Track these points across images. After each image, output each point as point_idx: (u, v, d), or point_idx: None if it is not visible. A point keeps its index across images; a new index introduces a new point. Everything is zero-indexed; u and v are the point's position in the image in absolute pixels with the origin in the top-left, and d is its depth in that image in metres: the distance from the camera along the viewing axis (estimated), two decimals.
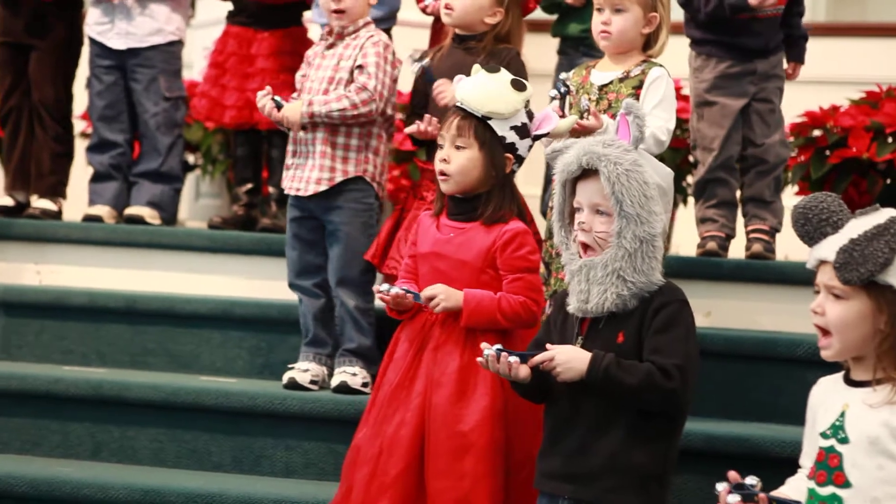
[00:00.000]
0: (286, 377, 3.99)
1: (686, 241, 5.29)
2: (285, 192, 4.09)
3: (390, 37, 4.55)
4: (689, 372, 2.86)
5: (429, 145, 3.96)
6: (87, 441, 4.03)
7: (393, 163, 5.17)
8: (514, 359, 2.94)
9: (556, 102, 3.56)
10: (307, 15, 5.07)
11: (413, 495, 3.26)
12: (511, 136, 3.34)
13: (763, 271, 4.24)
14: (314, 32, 4.91)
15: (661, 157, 3.82)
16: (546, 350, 2.93)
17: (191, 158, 6.64)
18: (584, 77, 3.74)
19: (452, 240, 3.36)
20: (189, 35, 5.49)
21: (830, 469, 2.54)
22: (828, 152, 4.95)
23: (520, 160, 3.39)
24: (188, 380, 4.16)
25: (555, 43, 4.83)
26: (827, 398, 2.61)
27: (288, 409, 3.87)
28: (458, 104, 3.36)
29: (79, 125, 6.15)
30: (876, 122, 4.87)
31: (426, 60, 3.97)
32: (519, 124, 3.35)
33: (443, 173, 3.36)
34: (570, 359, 2.89)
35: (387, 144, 4.12)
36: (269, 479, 3.86)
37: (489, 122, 3.33)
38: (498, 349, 2.96)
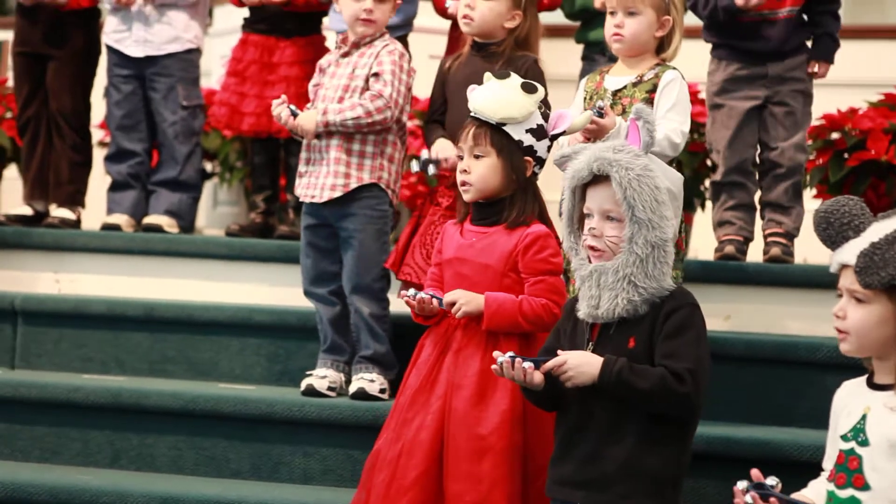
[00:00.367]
0: (304, 384, 4.00)
1: (704, 245, 5.28)
2: (300, 199, 4.09)
3: (406, 44, 4.56)
4: (702, 376, 2.85)
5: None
6: (106, 449, 4.04)
7: (409, 169, 5.17)
8: (528, 364, 2.93)
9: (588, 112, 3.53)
10: (325, 22, 5.07)
11: (432, 498, 3.25)
12: (528, 140, 3.35)
13: (782, 275, 4.22)
14: (332, 40, 4.91)
15: (677, 162, 3.82)
16: (557, 356, 2.93)
17: (208, 166, 6.66)
18: (598, 83, 3.74)
19: (475, 244, 3.36)
20: (206, 43, 5.50)
21: (850, 471, 2.53)
22: (846, 155, 4.93)
23: (540, 162, 3.40)
24: (207, 387, 4.17)
25: (574, 48, 4.83)
26: (849, 402, 2.60)
27: (306, 415, 3.87)
28: (473, 114, 3.37)
29: (97, 134, 6.17)
30: (894, 124, 4.85)
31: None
32: (535, 126, 3.35)
33: (465, 183, 3.37)
34: (581, 363, 2.88)
35: (401, 152, 4.12)
36: (288, 485, 3.86)
37: (504, 127, 3.33)
38: (511, 356, 2.95)
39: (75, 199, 5.17)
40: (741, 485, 2.55)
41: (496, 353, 2.98)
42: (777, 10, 4.36)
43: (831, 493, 2.56)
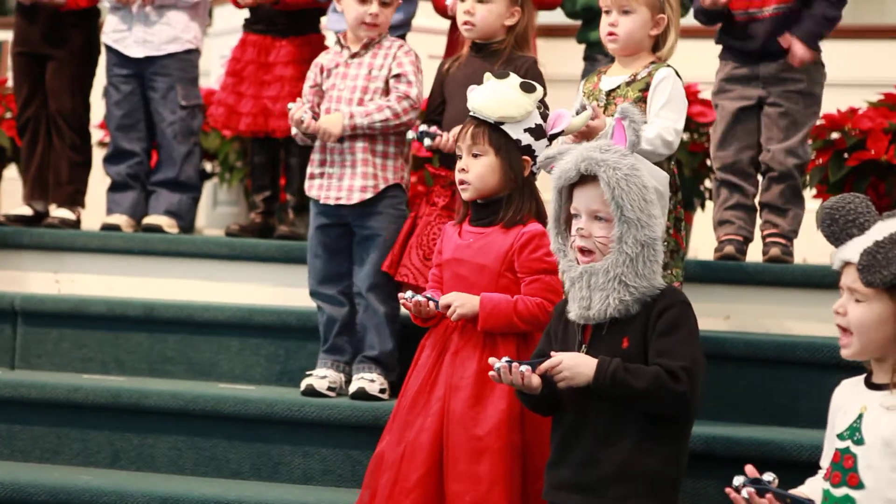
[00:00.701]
0: (304, 384, 4.00)
1: (704, 244, 5.28)
2: (319, 201, 4.08)
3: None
4: (696, 373, 2.84)
5: (441, 152, 3.96)
6: (106, 449, 4.04)
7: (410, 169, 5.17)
8: (525, 368, 2.92)
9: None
10: (324, 21, 5.07)
11: (435, 499, 3.26)
12: (526, 139, 3.35)
13: (782, 275, 4.22)
14: (331, 40, 4.91)
15: (677, 161, 3.81)
16: (552, 345, 2.94)
17: (208, 166, 6.66)
18: (595, 83, 3.73)
19: (472, 244, 3.37)
20: (206, 43, 5.50)
21: (845, 470, 2.53)
22: (846, 155, 4.93)
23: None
24: (207, 387, 4.17)
25: (574, 47, 4.83)
26: (846, 400, 2.60)
27: (306, 416, 3.87)
28: (472, 113, 3.38)
29: (96, 134, 6.17)
30: (894, 124, 4.85)
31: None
32: (533, 126, 3.36)
33: (462, 182, 3.38)
34: (576, 364, 2.88)
35: (408, 150, 4.14)
36: (288, 485, 3.86)
37: (503, 127, 3.34)
38: (507, 361, 2.94)
39: (75, 199, 5.17)
40: (737, 480, 2.55)
41: (492, 360, 2.98)
42: (762, 7, 4.35)
43: (826, 491, 2.57)
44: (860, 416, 2.55)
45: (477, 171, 3.35)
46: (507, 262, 3.32)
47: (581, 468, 2.90)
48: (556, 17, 5.00)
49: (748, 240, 4.41)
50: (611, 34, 3.66)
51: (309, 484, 3.87)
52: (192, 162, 5.14)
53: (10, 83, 5.89)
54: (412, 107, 4.00)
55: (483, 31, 3.94)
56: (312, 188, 4.09)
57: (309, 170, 4.12)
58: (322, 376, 4.00)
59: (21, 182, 5.36)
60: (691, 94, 5.45)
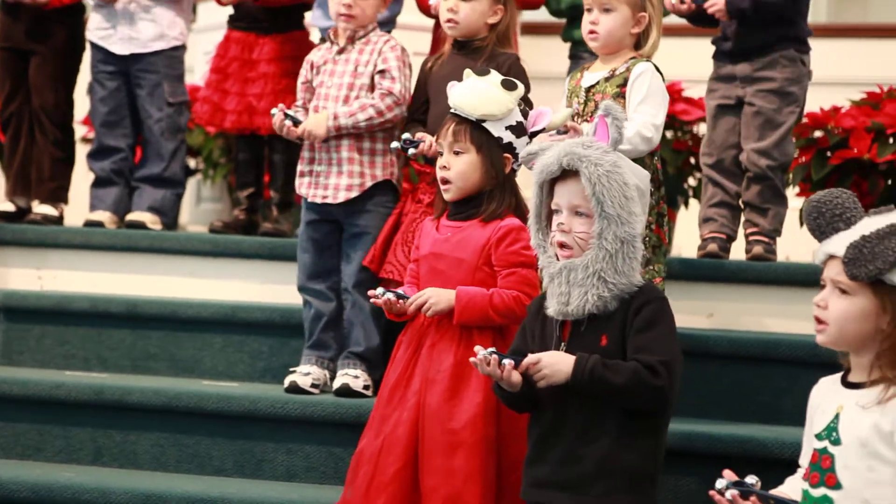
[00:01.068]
0: (288, 381, 3.99)
1: (688, 242, 5.29)
2: (308, 199, 4.07)
3: None
4: (674, 368, 2.85)
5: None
6: (88, 446, 4.03)
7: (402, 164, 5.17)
8: (508, 361, 2.92)
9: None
10: (308, 18, 5.07)
11: (410, 494, 3.27)
12: (507, 136, 3.37)
13: (765, 273, 4.23)
14: (315, 36, 4.90)
15: (661, 159, 3.82)
16: (527, 342, 2.95)
17: (192, 163, 6.64)
18: (577, 80, 3.74)
19: (450, 239, 3.38)
20: (190, 40, 5.49)
21: (823, 470, 2.54)
22: (829, 153, 4.94)
23: (519, 159, 3.40)
24: (190, 384, 4.16)
25: (558, 45, 4.83)
26: (824, 399, 2.61)
27: (289, 412, 3.87)
28: (452, 111, 3.38)
29: (80, 130, 6.15)
30: (877, 122, 4.86)
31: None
32: (514, 123, 3.38)
33: (444, 180, 3.38)
34: (555, 362, 2.88)
35: None
36: (271, 482, 3.86)
37: (484, 124, 3.35)
38: (492, 352, 2.95)
39: (58, 195, 5.16)
40: (720, 483, 2.56)
41: (477, 348, 2.98)
42: None
43: (805, 491, 2.57)
44: (837, 416, 2.55)
45: (458, 168, 3.36)
46: (485, 256, 3.33)
47: (561, 465, 2.91)
48: (541, 14, 5.00)
49: (731, 238, 4.42)
50: (591, 32, 3.67)
51: (292, 481, 3.87)
52: (179, 159, 5.13)
53: None
54: (396, 103, 4.00)
55: (466, 30, 3.94)
56: (302, 186, 4.10)
57: (299, 167, 4.12)
58: (306, 373, 4.00)
59: (3, 178, 5.34)
60: (675, 92, 5.46)
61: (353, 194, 4.00)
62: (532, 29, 6.84)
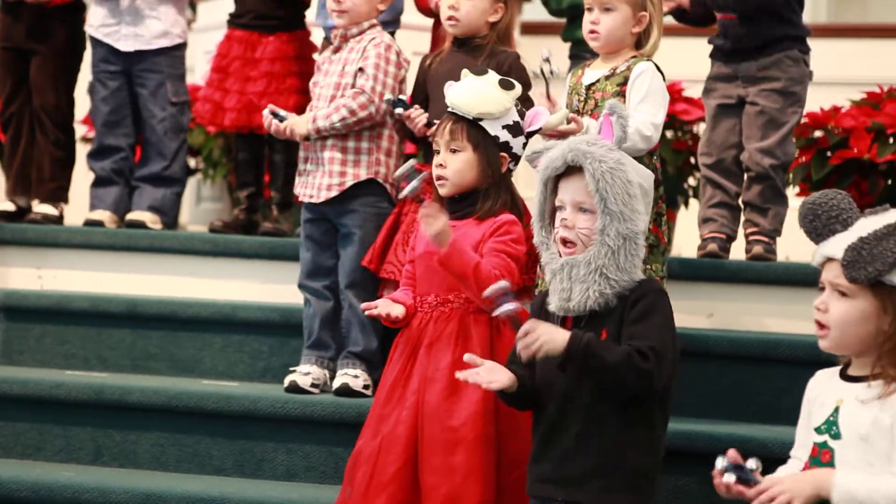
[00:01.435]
0: (287, 380, 3.99)
1: (687, 242, 5.29)
2: (299, 198, 4.09)
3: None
4: (665, 356, 2.85)
5: (426, 148, 3.96)
6: (88, 445, 4.03)
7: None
8: (511, 306, 2.96)
9: (542, 89, 3.56)
10: (309, 18, 5.06)
11: (410, 493, 3.28)
12: (504, 136, 3.39)
13: (765, 272, 4.23)
14: (317, 36, 4.90)
15: (661, 158, 3.82)
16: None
17: (192, 162, 6.64)
18: (578, 77, 3.75)
19: None
20: (191, 39, 5.49)
21: (822, 465, 2.54)
22: (829, 153, 4.94)
23: (515, 159, 3.44)
24: (190, 384, 4.16)
25: (558, 45, 4.82)
26: (822, 392, 2.62)
27: (289, 412, 3.87)
28: (450, 109, 3.39)
29: (80, 130, 6.15)
30: (877, 122, 4.86)
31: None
32: (511, 123, 3.40)
33: (440, 178, 3.40)
34: (553, 331, 2.88)
35: (398, 145, 4.12)
36: (271, 482, 3.86)
37: (481, 123, 3.37)
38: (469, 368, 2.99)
39: (58, 195, 5.16)
40: (720, 464, 2.55)
41: (468, 357, 2.99)
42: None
43: None
44: (836, 410, 2.56)
45: (455, 166, 3.38)
46: (480, 253, 3.33)
47: (562, 462, 2.93)
48: (541, 14, 5.00)
49: (731, 238, 4.42)
50: (592, 32, 3.68)
51: (292, 480, 3.87)
52: (181, 158, 5.13)
53: None
54: (369, 101, 3.94)
55: (467, 27, 3.94)
56: (298, 185, 4.11)
57: (298, 167, 4.13)
58: (306, 373, 4.00)
59: (4, 177, 5.34)
60: (675, 92, 5.46)
61: (333, 194, 3.99)
62: (532, 29, 6.85)
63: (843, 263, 2.52)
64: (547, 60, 3.59)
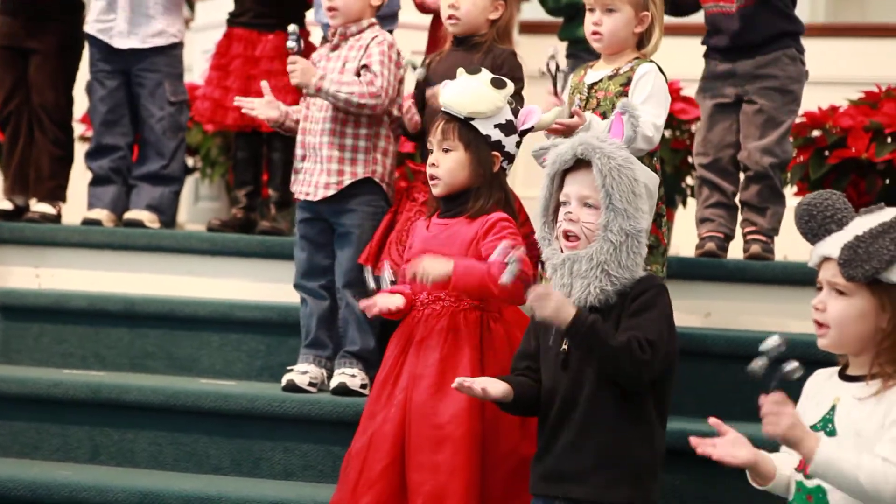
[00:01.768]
0: (285, 379, 3.99)
1: (685, 242, 5.29)
2: (295, 196, 4.08)
3: None
4: (660, 349, 2.87)
5: (422, 147, 3.97)
6: (86, 444, 4.03)
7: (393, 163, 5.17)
8: (480, 386, 2.97)
9: (551, 84, 3.57)
10: (309, 17, 5.06)
11: (397, 491, 3.29)
12: (496, 135, 3.40)
13: (763, 272, 4.23)
14: (317, 36, 4.90)
15: (660, 159, 3.83)
16: (533, 344, 2.99)
17: (189, 161, 6.65)
18: (580, 77, 3.75)
19: (438, 235, 3.41)
20: (189, 38, 5.49)
21: None
22: (827, 153, 4.95)
23: (509, 157, 3.44)
24: (187, 382, 4.16)
25: (555, 44, 4.82)
26: (819, 391, 2.63)
27: (287, 411, 3.87)
28: (442, 108, 3.40)
29: (78, 129, 6.15)
30: (875, 122, 4.87)
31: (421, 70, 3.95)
32: (503, 122, 3.40)
33: (433, 177, 3.42)
34: (563, 300, 2.88)
35: (394, 145, 4.11)
36: (268, 481, 3.86)
37: (473, 122, 3.37)
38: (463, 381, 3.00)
39: (56, 193, 5.15)
40: (757, 363, 2.54)
41: (458, 382, 3.02)
42: (732, 2, 4.34)
43: (800, 482, 2.59)
44: (833, 408, 2.57)
45: (447, 165, 3.40)
46: (473, 251, 3.35)
47: (563, 458, 2.95)
48: (538, 13, 5.00)
49: (729, 237, 4.42)
50: (595, 33, 3.68)
51: (290, 479, 3.87)
52: (179, 157, 5.13)
53: None
54: (377, 94, 3.94)
55: (467, 25, 3.94)
56: (294, 183, 4.10)
57: (294, 165, 4.13)
58: (303, 372, 4.00)
59: (1, 176, 5.34)
60: (673, 92, 5.45)
61: (331, 192, 3.99)
62: (531, 28, 6.85)
63: (839, 262, 2.53)
64: (553, 57, 3.60)
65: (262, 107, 4.07)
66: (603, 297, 2.93)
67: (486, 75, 3.42)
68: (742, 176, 4.43)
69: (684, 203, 5.72)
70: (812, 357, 2.76)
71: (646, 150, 3.56)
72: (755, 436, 3.55)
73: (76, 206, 5.29)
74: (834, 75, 6.06)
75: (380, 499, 3.28)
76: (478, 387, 2.98)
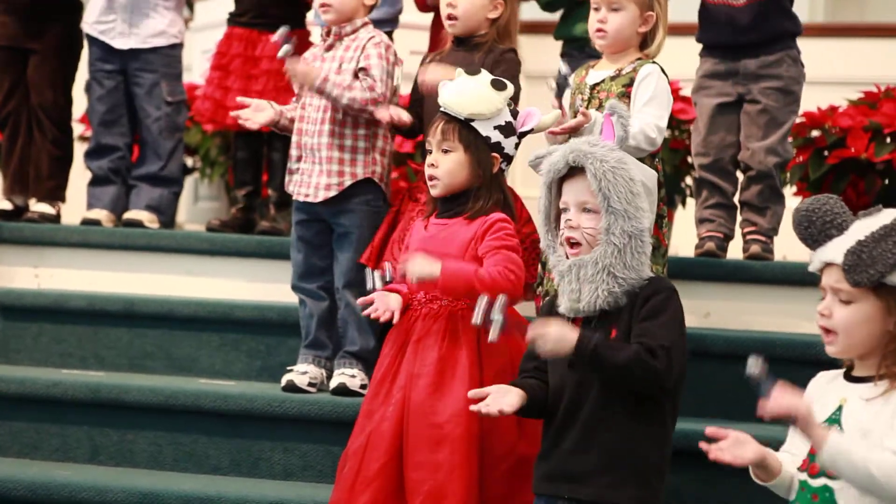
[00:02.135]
0: (284, 379, 3.99)
1: (685, 242, 5.29)
2: (293, 197, 4.08)
3: (392, 40, 4.55)
4: (675, 355, 2.87)
5: (420, 145, 3.97)
6: (85, 444, 4.03)
7: (392, 164, 5.16)
8: (496, 408, 2.94)
9: (554, 95, 3.58)
10: (309, 17, 5.06)
11: (395, 489, 3.29)
12: (496, 136, 3.40)
13: (762, 272, 4.23)
14: (315, 35, 4.90)
15: (660, 159, 3.83)
16: (536, 340, 2.95)
17: (189, 161, 6.64)
18: (581, 77, 3.75)
19: (436, 235, 3.42)
20: (188, 38, 5.48)
21: None
22: (826, 153, 4.95)
23: (508, 159, 3.46)
24: (186, 382, 4.16)
25: (555, 44, 4.82)
26: (824, 393, 2.62)
27: (286, 411, 3.87)
28: (442, 109, 3.41)
29: (77, 128, 6.15)
30: (874, 122, 4.87)
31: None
32: (503, 123, 3.41)
33: (432, 178, 3.42)
34: (561, 334, 2.88)
35: (391, 145, 4.11)
36: (268, 481, 3.86)
37: (472, 123, 3.38)
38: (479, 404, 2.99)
39: (55, 193, 5.15)
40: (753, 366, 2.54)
41: (472, 393, 3.02)
42: None
43: (804, 482, 2.59)
44: (840, 408, 2.56)
45: (446, 166, 3.40)
46: (471, 251, 3.35)
47: (569, 458, 2.94)
48: (536, 13, 5.00)
49: (729, 237, 4.42)
50: (599, 31, 3.68)
51: (289, 479, 3.87)
52: (177, 158, 5.13)
53: None
54: (374, 100, 3.95)
55: (466, 25, 3.94)
56: (290, 184, 4.09)
57: (288, 165, 4.11)
58: (303, 372, 4.00)
59: (1, 176, 5.34)
60: (673, 91, 5.45)
61: (332, 193, 3.98)
62: (529, 28, 6.84)
63: (844, 268, 2.53)
64: (565, 77, 3.61)
65: (253, 113, 4.05)
66: (612, 299, 2.93)
67: (485, 76, 3.43)
68: (742, 176, 4.43)
69: (684, 203, 5.72)
70: (812, 357, 2.76)
71: (648, 152, 3.57)
72: (756, 436, 3.56)
73: (75, 206, 5.29)
74: (833, 75, 6.06)
75: (377, 497, 3.28)
76: (495, 409, 2.97)
